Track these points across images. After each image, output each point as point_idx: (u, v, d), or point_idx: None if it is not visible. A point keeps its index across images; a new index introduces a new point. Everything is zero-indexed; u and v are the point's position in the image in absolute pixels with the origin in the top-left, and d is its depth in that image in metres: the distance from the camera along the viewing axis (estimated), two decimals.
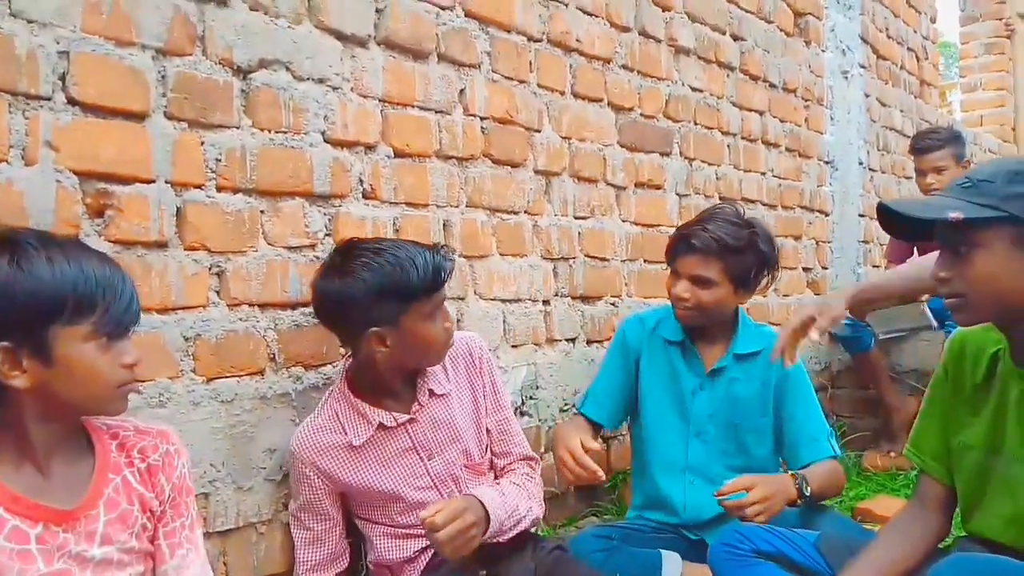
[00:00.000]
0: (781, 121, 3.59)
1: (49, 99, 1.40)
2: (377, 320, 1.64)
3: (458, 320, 2.15)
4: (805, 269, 3.76)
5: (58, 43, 1.40)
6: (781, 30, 3.60)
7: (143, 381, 1.48)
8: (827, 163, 3.95)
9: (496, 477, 1.89)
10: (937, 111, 5.43)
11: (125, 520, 1.27)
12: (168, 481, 1.32)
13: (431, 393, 1.78)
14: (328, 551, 1.75)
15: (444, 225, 2.12)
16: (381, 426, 1.73)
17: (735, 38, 3.28)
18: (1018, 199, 1.33)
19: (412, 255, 1.64)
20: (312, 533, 1.74)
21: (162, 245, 1.55)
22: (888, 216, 1.49)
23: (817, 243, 3.84)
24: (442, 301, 1.71)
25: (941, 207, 1.40)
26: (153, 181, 1.53)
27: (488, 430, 1.88)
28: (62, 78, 1.41)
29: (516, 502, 1.75)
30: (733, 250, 2.04)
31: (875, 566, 1.53)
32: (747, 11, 3.35)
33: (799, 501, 1.92)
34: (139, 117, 1.51)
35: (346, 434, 1.71)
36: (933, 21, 5.28)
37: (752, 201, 3.38)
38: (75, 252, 1.20)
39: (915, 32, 4.98)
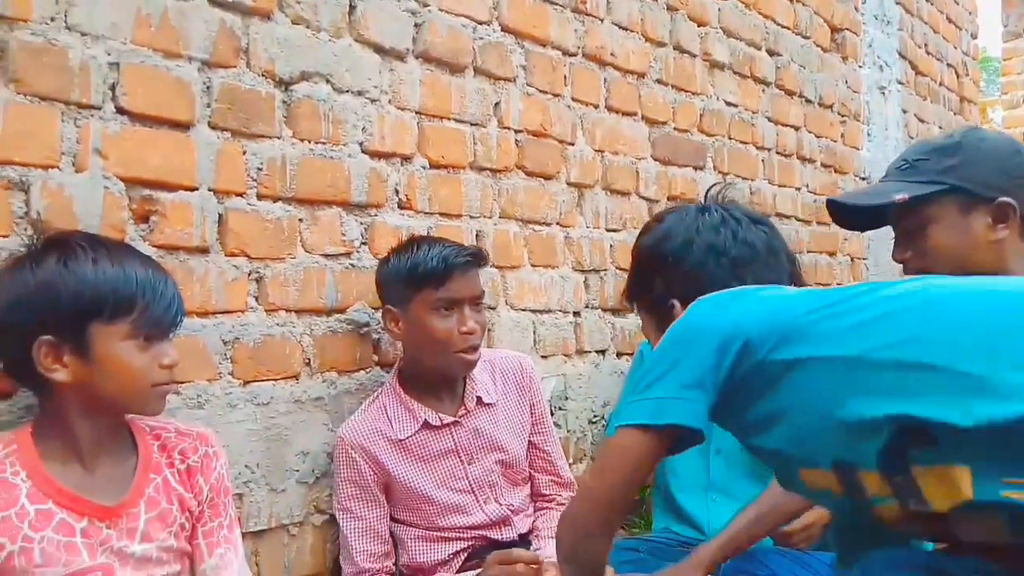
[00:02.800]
0: (817, 136, 3.57)
1: (99, 108, 1.45)
2: (393, 300, 1.76)
3: (489, 329, 2.18)
4: (839, 286, 3.73)
5: (109, 55, 1.46)
6: (818, 45, 3.59)
7: (182, 383, 1.52)
8: (863, 179, 3.91)
9: (535, 495, 1.93)
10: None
11: (164, 519, 1.31)
12: (207, 482, 1.36)
13: (479, 400, 1.83)
14: (382, 542, 1.76)
15: (477, 235, 2.15)
16: (426, 424, 1.77)
17: (771, 53, 3.28)
18: (954, 170, 1.43)
19: (431, 246, 1.75)
20: (366, 522, 1.74)
21: (204, 251, 1.59)
22: (838, 211, 1.58)
23: (852, 259, 3.81)
24: (457, 300, 1.74)
25: (886, 192, 1.50)
26: (196, 189, 1.58)
27: (535, 446, 1.92)
28: (112, 88, 1.46)
29: None
30: None
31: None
32: (783, 26, 3.35)
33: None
34: (184, 127, 1.56)
35: (392, 427, 1.76)
36: (974, 37, 5.21)
37: (787, 216, 3.36)
38: (120, 254, 1.26)
39: (955, 48, 4.92)
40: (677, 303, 1.29)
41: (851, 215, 1.58)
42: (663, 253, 1.36)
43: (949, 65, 4.84)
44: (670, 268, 1.34)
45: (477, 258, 1.79)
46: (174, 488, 1.33)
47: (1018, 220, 1.43)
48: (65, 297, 1.20)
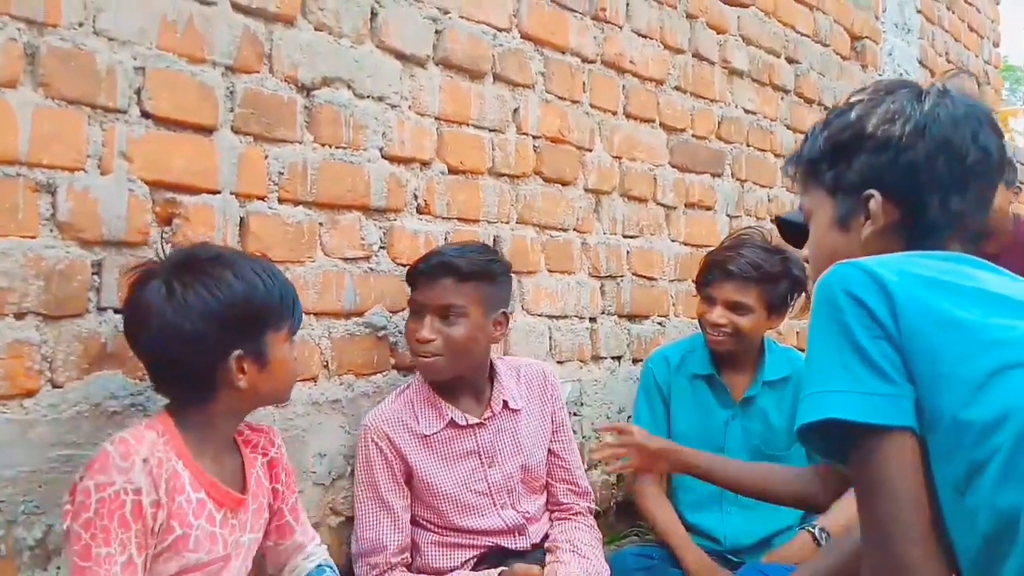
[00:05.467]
0: None
1: (125, 112, 1.47)
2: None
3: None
4: None
5: (135, 59, 1.48)
6: (837, 53, 3.58)
7: None
8: None
9: (552, 505, 1.93)
10: None
11: (261, 511, 1.41)
12: (283, 469, 1.46)
13: (505, 405, 1.84)
14: (406, 534, 1.76)
15: (494, 241, 2.16)
16: (452, 423, 1.79)
17: (790, 61, 3.27)
18: None
19: (439, 248, 1.86)
20: (394, 515, 1.74)
21: None
22: (784, 227, 1.54)
23: None
24: (421, 306, 1.80)
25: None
26: (219, 192, 1.60)
27: (554, 454, 1.93)
28: (138, 92, 1.48)
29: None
30: (769, 276, 2.07)
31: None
32: (803, 34, 3.34)
33: None
34: (208, 131, 1.58)
35: (418, 422, 1.77)
36: (996, 46, 5.18)
37: None
38: (263, 263, 1.37)
39: (976, 56, 4.89)
40: (878, 195, 1.08)
41: (793, 231, 1.50)
42: (883, 134, 1.08)
43: (970, 74, 4.80)
44: (885, 153, 1.08)
45: (448, 269, 1.73)
46: (263, 483, 1.42)
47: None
48: (253, 311, 1.29)
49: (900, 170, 1.07)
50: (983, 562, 0.90)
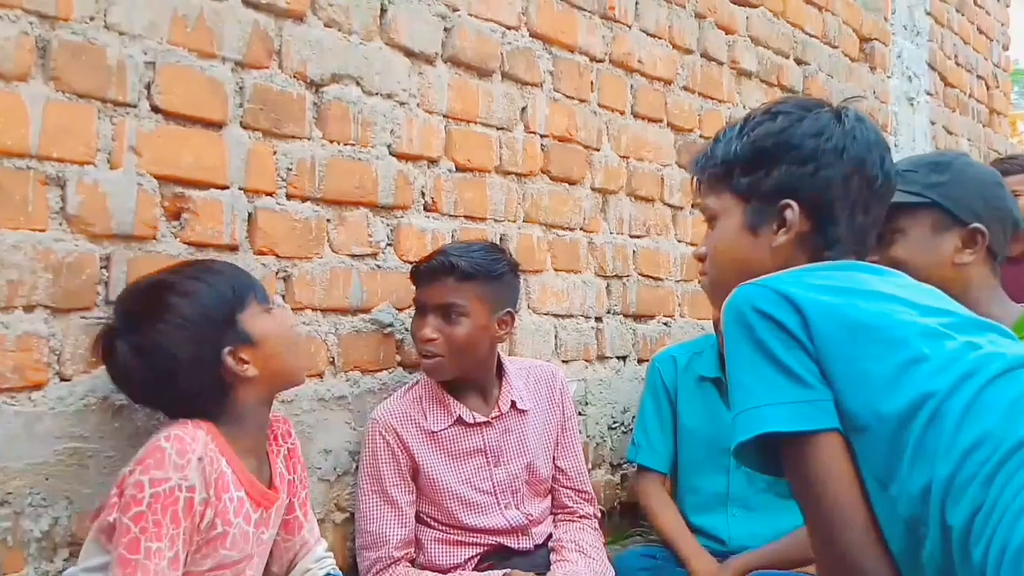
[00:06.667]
0: None
1: (135, 106, 1.47)
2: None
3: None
4: None
5: (146, 54, 1.48)
6: (846, 55, 3.57)
7: None
8: None
9: (557, 507, 1.93)
10: (1007, 140, 5.30)
11: (282, 506, 1.42)
12: (298, 460, 1.48)
13: (513, 405, 1.83)
14: (409, 529, 1.76)
15: (501, 239, 2.16)
16: (459, 420, 1.78)
17: (799, 62, 3.27)
18: (939, 187, 1.45)
19: (446, 247, 1.84)
20: (398, 509, 1.74)
21: (233, 248, 1.61)
22: None
23: None
24: (422, 305, 1.81)
25: None
26: (227, 187, 1.60)
27: (561, 460, 1.93)
28: (148, 87, 1.49)
29: None
30: None
31: None
32: (811, 36, 3.34)
33: None
34: (217, 126, 1.59)
35: (426, 419, 1.77)
36: (1006, 49, 5.16)
37: None
38: (197, 265, 1.41)
39: (986, 60, 4.88)
40: (796, 206, 1.11)
41: None
42: (807, 148, 1.12)
43: (979, 77, 4.79)
44: (806, 166, 1.11)
45: (449, 268, 1.72)
46: (284, 475, 1.43)
47: (984, 249, 1.45)
48: (212, 314, 1.31)
49: (818, 184, 1.11)
50: (909, 550, 0.93)
